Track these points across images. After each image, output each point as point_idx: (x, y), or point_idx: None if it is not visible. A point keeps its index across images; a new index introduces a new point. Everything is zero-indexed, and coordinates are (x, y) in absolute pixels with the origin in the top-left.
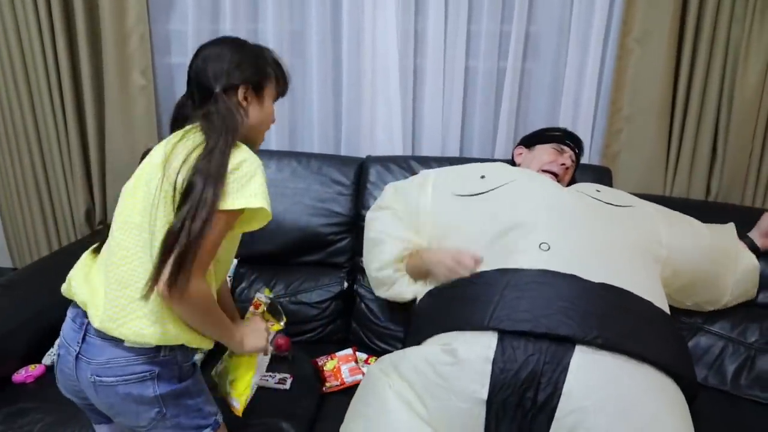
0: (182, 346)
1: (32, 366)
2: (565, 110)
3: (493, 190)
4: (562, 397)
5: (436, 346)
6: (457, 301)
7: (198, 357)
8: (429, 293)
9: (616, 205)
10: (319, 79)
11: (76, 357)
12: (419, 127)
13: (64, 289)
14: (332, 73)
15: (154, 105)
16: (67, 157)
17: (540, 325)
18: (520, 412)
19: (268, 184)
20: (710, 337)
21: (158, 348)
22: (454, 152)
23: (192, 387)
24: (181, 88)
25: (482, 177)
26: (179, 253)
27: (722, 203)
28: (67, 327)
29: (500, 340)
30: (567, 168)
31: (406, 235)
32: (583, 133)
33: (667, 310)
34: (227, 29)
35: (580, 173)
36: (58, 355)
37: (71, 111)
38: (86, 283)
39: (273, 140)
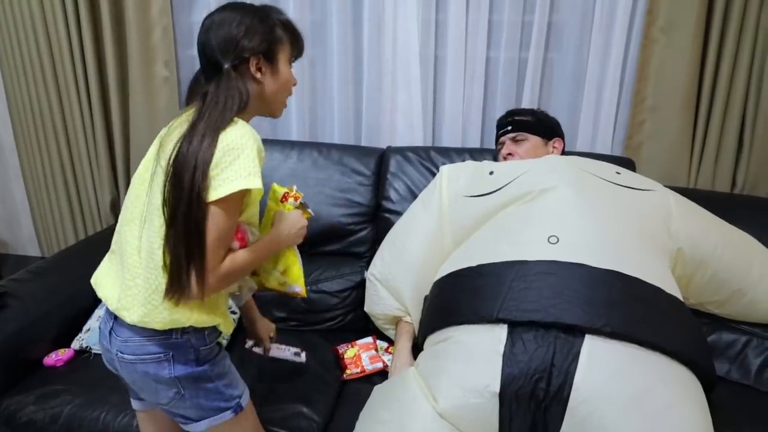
0: (195, 330)
1: (62, 350)
2: (587, 100)
3: (503, 187)
4: (573, 386)
5: (448, 343)
6: (465, 294)
7: (223, 340)
8: (437, 283)
9: (635, 189)
10: (339, 69)
11: (109, 332)
12: (440, 117)
13: (93, 281)
14: (353, 63)
15: (177, 96)
16: (93, 149)
17: (549, 314)
18: (533, 404)
19: (291, 174)
20: (733, 331)
21: (169, 331)
22: (474, 143)
23: (211, 371)
24: None
25: (491, 173)
26: (187, 263)
27: (748, 196)
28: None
29: (510, 333)
30: (512, 153)
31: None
32: (606, 124)
33: (680, 298)
34: None
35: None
36: (100, 329)
37: (97, 102)
38: (107, 276)
39: (294, 130)
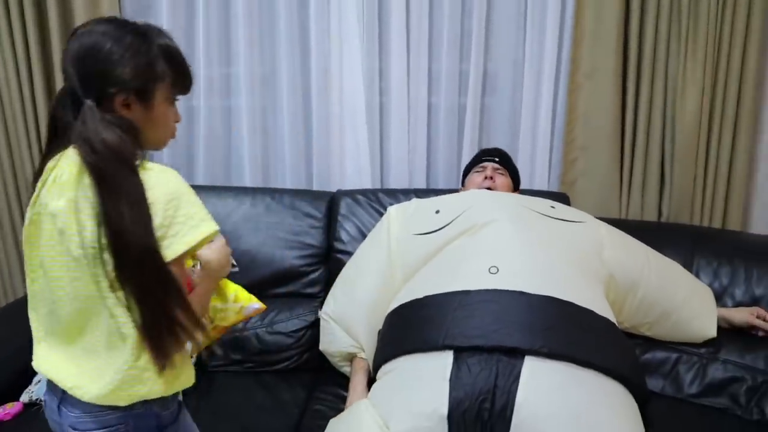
0: (162, 397)
1: (10, 404)
2: (523, 141)
3: (448, 224)
4: (516, 405)
5: (397, 372)
6: (412, 324)
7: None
8: (387, 317)
9: (568, 221)
10: (290, 118)
11: (58, 407)
12: (387, 161)
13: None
14: (302, 111)
15: None
16: None
17: (491, 339)
18: (479, 424)
19: (245, 219)
20: (665, 349)
21: (132, 404)
22: (421, 184)
23: None
24: None
25: (437, 212)
26: (173, 327)
27: (673, 223)
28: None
29: (455, 359)
30: (492, 177)
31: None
32: (542, 163)
33: (612, 319)
34: (201, 74)
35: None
36: (44, 401)
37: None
38: (49, 360)
39: (247, 177)
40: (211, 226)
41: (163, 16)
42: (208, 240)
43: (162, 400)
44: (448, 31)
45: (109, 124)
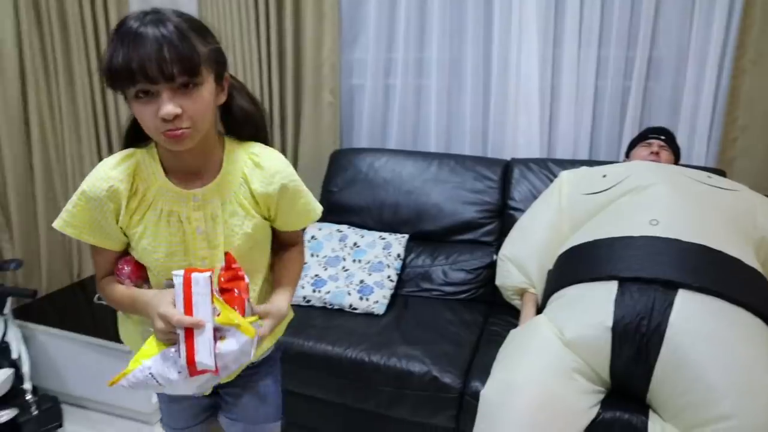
0: None
1: None
2: (683, 121)
3: (613, 186)
4: (669, 323)
5: (570, 297)
6: (583, 261)
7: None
8: (559, 257)
9: (723, 188)
10: (471, 97)
11: None
12: (554, 135)
13: None
14: (482, 92)
15: (339, 118)
16: None
17: (650, 272)
18: (638, 336)
19: (434, 178)
20: None
21: None
22: (584, 156)
23: None
24: (359, 105)
25: (604, 176)
26: None
27: None
28: None
29: (619, 287)
30: (658, 153)
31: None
32: (700, 141)
33: (760, 270)
34: (399, 57)
35: None
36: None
37: (277, 122)
38: None
39: (432, 144)
40: (59, 223)
41: (371, 6)
42: None
43: None
44: (618, 20)
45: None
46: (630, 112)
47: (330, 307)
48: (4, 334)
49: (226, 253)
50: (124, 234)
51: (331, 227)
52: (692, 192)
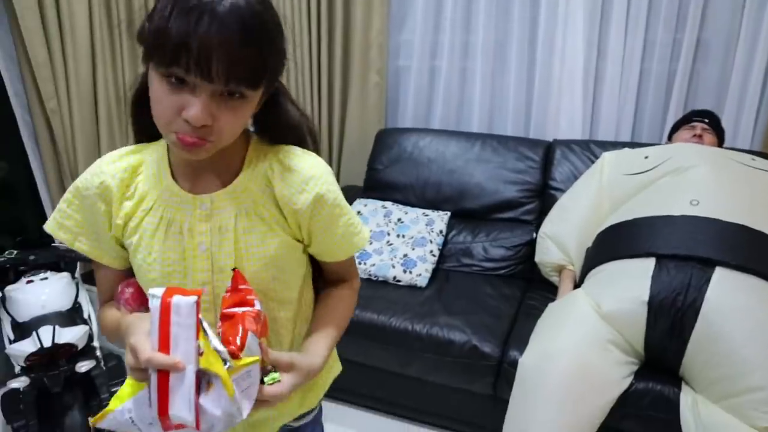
0: None
1: None
2: (729, 105)
3: (655, 167)
4: (705, 299)
5: (608, 272)
6: (622, 238)
7: None
8: (599, 235)
9: (765, 170)
10: (515, 80)
11: None
12: (596, 118)
13: None
14: (527, 74)
15: (384, 98)
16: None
17: (688, 249)
18: (673, 311)
19: (477, 158)
20: None
21: None
22: (626, 138)
23: None
24: (405, 86)
25: (646, 157)
26: None
27: None
28: None
29: (657, 263)
30: (701, 136)
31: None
32: (747, 123)
33: None
34: (446, 40)
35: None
36: None
37: (325, 102)
38: None
39: (475, 125)
40: (49, 224)
41: None
42: None
43: None
44: (667, 3)
45: None
46: (675, 95)
47: (375, 279)
48: (77, 296)
49: (234, 270)
50: (122, 246)
51: (376, 203)
52: (734, 173)
